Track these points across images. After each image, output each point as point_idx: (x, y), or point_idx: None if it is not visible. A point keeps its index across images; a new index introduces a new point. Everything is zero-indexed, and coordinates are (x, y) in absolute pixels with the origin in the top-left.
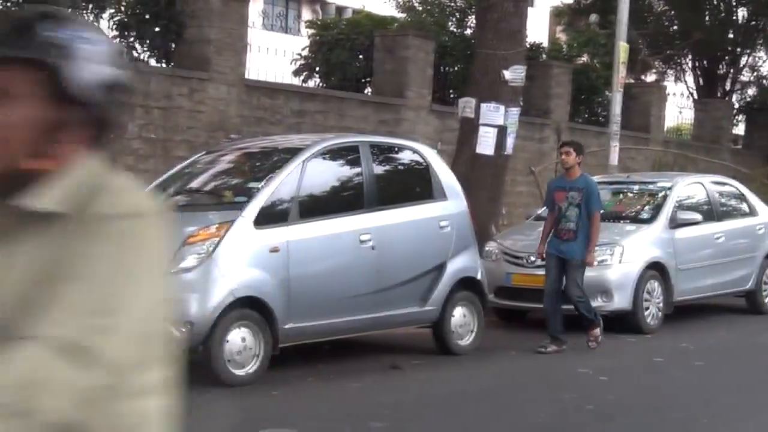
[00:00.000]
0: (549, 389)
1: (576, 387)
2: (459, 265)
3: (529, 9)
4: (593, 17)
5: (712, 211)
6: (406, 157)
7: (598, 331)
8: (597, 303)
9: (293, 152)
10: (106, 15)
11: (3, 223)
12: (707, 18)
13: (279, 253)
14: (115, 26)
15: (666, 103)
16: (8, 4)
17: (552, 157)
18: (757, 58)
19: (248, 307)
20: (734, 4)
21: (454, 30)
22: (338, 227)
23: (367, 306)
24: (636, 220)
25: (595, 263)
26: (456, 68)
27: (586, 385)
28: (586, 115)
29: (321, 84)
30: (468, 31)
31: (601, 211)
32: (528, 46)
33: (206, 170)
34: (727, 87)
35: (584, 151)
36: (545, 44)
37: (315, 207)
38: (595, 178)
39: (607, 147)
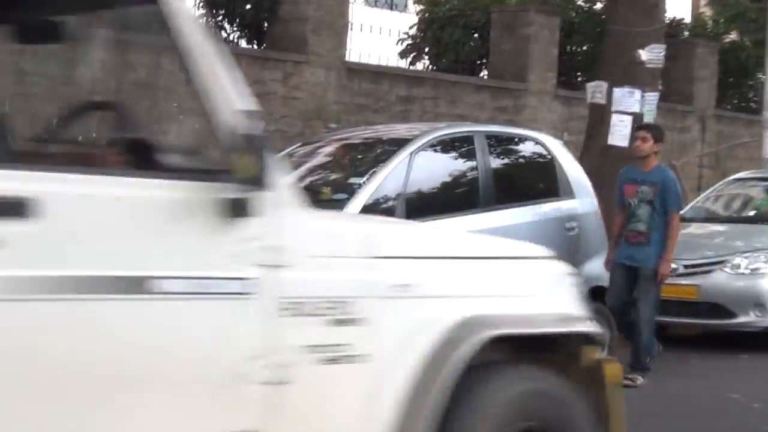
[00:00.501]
0: (693, 417)
1: (724, 415)
2: (588, 272)
3: None
4: None
5: None
6: (527, 149)
7: (640, 379)
8: (749, 318)
9: (399, 144)
10: None
11: None
12: None
13: None
14: (201, 4)
15: None
16: None
17: (696, 149)
18: None
19: None
20: None
21: (582, 4)
22: (450, 228)
23: None
24: None
25: (668, 276)
26: (584, 48)
27: (736, 413)
28: (735, 101)
29: (431, 67)
30: (598, 6)
31: (681, 212)
32: (668, 22)
33: (302, 164)
34: None
35: (664, 139)
36: (687, 20)
37: (424, 205)
38: (746, 174)
39: (760, 137)
